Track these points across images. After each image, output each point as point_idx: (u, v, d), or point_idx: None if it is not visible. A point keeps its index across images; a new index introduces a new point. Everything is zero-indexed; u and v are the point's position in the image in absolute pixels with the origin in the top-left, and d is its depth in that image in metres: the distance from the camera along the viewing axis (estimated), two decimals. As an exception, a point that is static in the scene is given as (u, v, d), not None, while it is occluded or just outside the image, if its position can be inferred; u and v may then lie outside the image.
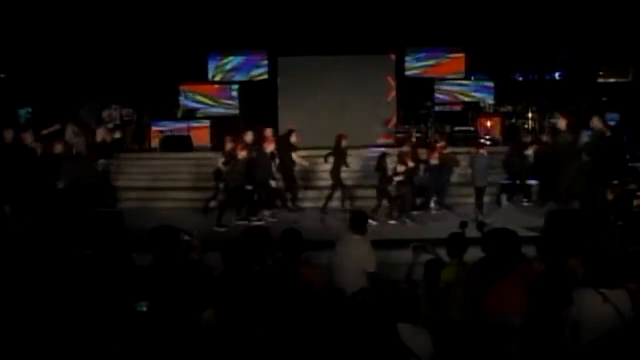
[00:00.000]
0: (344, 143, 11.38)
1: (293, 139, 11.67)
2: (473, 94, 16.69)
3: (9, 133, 9.81)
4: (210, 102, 16.60)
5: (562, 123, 10.86)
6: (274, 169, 10.92)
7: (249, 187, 10.56)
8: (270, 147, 10.83)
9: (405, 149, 11.02)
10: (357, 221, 5.48)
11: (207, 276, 4.19)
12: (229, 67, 16.75)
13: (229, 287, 3.66)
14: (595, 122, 10.24)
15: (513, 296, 4.25)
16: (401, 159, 10.59)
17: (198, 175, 12.92)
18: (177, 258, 4.17)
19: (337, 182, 11.33)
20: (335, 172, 11.33)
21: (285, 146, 11.49)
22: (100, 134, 11.82)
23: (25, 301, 3.98)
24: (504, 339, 4.05)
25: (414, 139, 11.46)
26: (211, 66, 16.66)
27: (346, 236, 5.46)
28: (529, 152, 11.72)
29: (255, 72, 16.62)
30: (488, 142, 12.35)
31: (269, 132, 11.83)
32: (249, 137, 11.20)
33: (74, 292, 4.01)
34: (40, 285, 4.19)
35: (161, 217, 9.80)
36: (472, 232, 5.72)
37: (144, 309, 3.72)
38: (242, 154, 10.38)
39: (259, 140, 11.21)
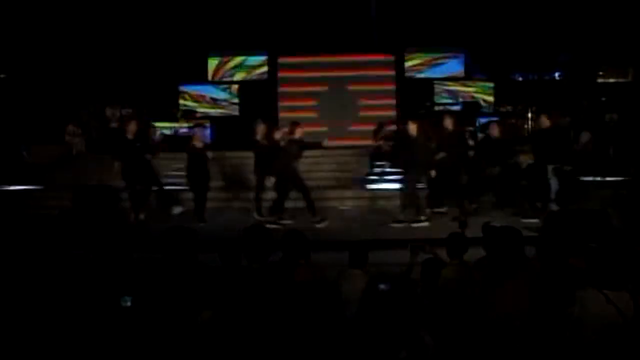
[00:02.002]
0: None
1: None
2: (473, 94, 16.68)
3: (134, 125, 10.43)
4: (210, 103, 16.59)
5: (412, 128, 9.92)
6: None
7: None
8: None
9: None
10: (356, 255, 5.04)
11: (206, 276, 4.17)
12: (228, 67, 16.74)
13: (227, 287, 3.64)
14: (447, 123, 10.31)
15: (517, 297, 4.21)
16: None
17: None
18: (189, 259, 4.14)
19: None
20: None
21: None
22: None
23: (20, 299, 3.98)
24: (505, 340, 4.03)
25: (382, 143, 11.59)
26: (211, 66, 16.66)
27: (346, 272, 4.98)
28: None
29: (255, 72, 16.61)
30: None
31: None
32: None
33: (60, 292, 4.00)
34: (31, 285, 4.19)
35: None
36: (472, 232, 5.71)
37: (129, 304, 3.71)
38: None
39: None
